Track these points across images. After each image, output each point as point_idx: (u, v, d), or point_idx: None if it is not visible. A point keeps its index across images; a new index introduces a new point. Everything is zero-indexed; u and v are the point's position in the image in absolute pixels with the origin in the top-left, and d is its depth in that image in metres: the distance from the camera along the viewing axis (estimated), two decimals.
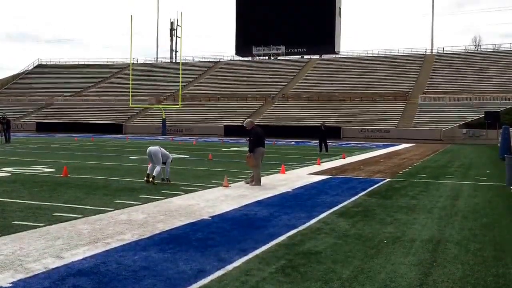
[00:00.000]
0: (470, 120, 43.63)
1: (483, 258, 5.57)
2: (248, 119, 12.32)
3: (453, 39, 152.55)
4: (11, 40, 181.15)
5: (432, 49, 69.12)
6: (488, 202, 9.63)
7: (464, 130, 41.95)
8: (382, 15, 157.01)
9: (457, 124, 43.26)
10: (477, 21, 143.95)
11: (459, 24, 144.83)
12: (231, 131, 45.83)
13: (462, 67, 60.15)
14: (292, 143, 35.62)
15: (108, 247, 5.66)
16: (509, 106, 44.59)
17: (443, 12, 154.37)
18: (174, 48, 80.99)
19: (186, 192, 10.11)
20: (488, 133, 39.79)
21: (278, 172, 14.22)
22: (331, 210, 8.35)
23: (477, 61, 61.36)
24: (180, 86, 50.89)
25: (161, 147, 11.64)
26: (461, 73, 58.32)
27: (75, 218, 7.23)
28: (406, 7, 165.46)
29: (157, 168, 11.29)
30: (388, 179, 13.16)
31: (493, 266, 5.24)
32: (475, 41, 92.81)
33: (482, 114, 41.71)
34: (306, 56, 71.71)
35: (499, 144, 23.58)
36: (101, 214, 7.57)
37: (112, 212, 7.80)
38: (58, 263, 5.01)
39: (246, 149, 12.04)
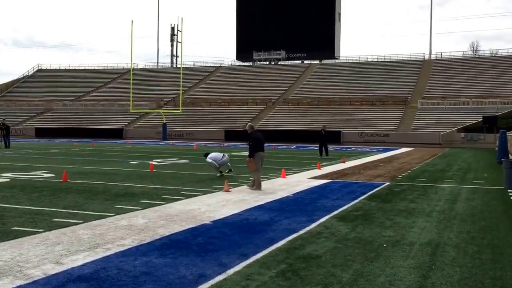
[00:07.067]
0: (468, 124, 43.71)
1: (481, 261, 5.59)
2: (248, 124, 12.38)
3: (451, 44, 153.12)
4: (17, 45, 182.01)
5: (430, 55, 69.22)
6: (486, 206, 9.65)
7: (463, 134, 42.00)
8: (381, 20, 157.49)
9: (456, 128, 43.33)
10: (475, 27, 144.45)
11: (457, 29, 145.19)
12: (231, 135, 45.84)
13: (460, 72, 60.29)
14: (292, 147, 35.66)
15: (108, 253, 5.67)
16: (506, 111, 44.70)
17: (441, 18, 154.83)
18: (174, 53, 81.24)
19: (187, 197, 10.13)
20: (486, 137, 39.83)
21: (279, 177, 14.24)
22: (331, 214, 8.37)
23: (475, 66, 61.51)
24: (180, 91, 50.99)
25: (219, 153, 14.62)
26: (460, 78, 58.45)
27: (75, 224, 7.24)
28: (405, 13, 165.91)
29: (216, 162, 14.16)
30: (387, 183, 13.19)
31: (491, 269, 5.27)
32: (473, 47, 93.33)
33: (480, 118, 41.80)
34: (306, 61, 71.87)
35: (496, 148, 23.62)
36: (101, 220, 7.58)
37: (112, 217, 7.81)
38: (57, 269, 5.01)
39: (247, 153, 12.09)
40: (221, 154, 14.75)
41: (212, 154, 14.59)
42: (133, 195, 10.18)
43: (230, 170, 14.66)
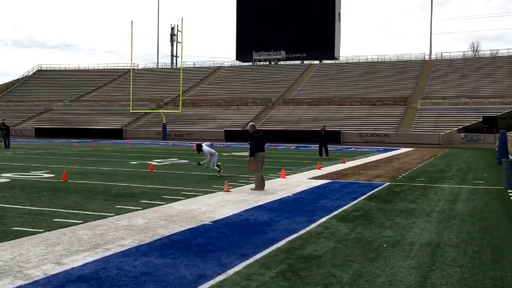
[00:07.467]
0: (468, 124, 43.72)
1: (481, 261, 5.60)
2: (250, 123, 12.35)
3: (452, 44, 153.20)
4: (17, 45, 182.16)
5: (430, 55, 69.24)
6: (486, 206, 9.65)
7: (462, 135, 42.00)
8: (381, 20, 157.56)
9: (456, 129, 43.33)
10: (475, 27, 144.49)
11: (457, 29, 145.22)
12: (231, 135, 45.83)
13: (461, 72, 60.30)
14: (292, 147, 35.66)
15: (108, 253, 5.67)
16: (506, 111, 44.71)
17: (441, 18, 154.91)
18: (174, 53, 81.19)
19: (187, 197, 10.13)
20: (486, 137, 39.85)
21: (279, 177, 14.24)
22: (331, 215, 8.38)
23: (475, 67, 61.52)
24: (180, 91, 50.99)
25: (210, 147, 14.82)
26: (460, 78, 58.46)
27: (75, 224, 7.24)
28: (405, 13, 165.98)
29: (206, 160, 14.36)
30: (387, 183, 13.19)
31: (490, 269, 5.27)
32: (473, 47, 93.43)
33: (480, 118, 41.81)
34: (306, 61, 71.89)
35: (496, 148, 23.61)
36: (101, 220, 7.58)
37: (112, 217, 7.81)
38: (58, 269, 5.01)
39: (247, 153, 12.08)
40: (213, 150, 14.89)
41: (207, 148, 14.73)
42: (133, 195, 10.18)
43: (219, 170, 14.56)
